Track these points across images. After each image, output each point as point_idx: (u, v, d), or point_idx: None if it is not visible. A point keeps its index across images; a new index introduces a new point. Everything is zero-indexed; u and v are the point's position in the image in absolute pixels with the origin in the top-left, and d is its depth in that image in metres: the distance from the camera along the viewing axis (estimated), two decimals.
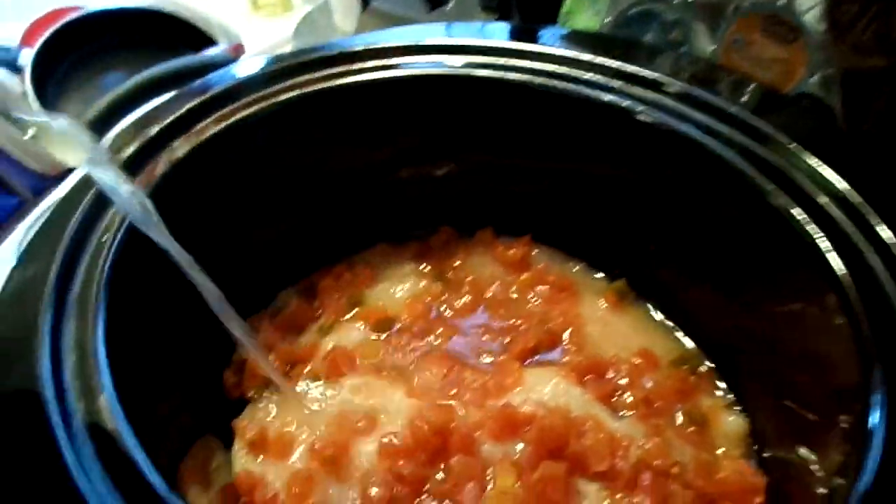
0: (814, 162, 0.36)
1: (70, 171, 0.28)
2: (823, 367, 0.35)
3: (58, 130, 0.25)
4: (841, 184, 0.35)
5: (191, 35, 0.94)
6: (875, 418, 0.28)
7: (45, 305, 0.34)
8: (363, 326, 0.47)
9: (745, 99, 0.41)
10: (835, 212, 0.34)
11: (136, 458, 0.29)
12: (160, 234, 0.35)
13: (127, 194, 0.31)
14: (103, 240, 0.37)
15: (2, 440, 0.29)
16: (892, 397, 0.29)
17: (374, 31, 0.72)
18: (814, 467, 0.34)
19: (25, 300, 0.34)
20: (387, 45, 0.49)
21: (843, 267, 0.33)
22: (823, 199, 0.34)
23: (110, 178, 0.28)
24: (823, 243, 0.34)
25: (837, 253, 0.33)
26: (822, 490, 0.32)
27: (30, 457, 0.28)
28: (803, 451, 0.35)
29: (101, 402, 0.31)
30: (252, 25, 1.00)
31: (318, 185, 0.50)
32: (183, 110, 0.45)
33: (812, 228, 0.34)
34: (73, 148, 0.25)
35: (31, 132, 0.25)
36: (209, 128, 0.44)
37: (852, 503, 0.26)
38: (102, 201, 0.38)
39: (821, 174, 0.35)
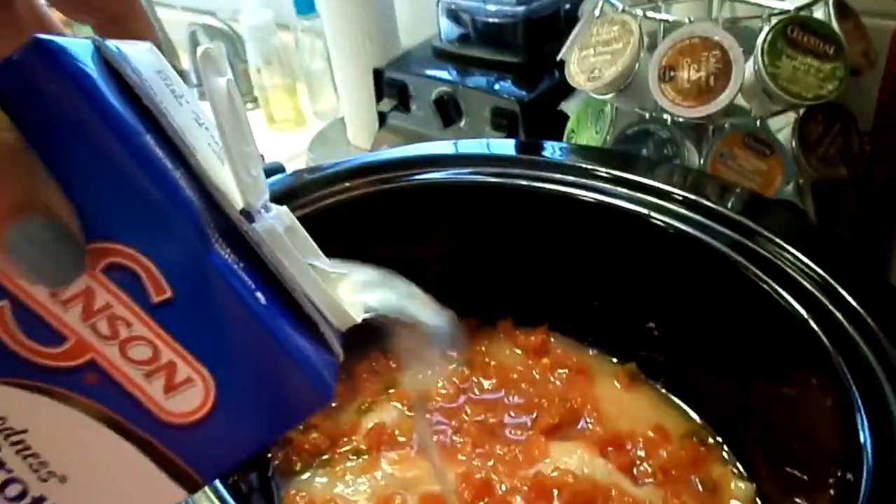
0: (796, 254, 0.42)
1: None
2: (814, 438, 0.40)
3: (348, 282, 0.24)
4: (821, 272, 0.41)
5: None
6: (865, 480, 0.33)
7: None
8: (399, 406, 0.51)
9: (734, 202, 0.48)
10: (821, 299, 0.40)
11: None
12: None
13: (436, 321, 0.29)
14: None
15: None
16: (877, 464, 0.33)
17: (393, 146, 0.80)
18: None
19: None
20: (422, 155, 0.56)
21: (832, 347, 0.38)
22: (808, 286, 0.40)
23: None
24: (813, 325, 0.39)
25: (826, 335, 0.39)
26: None
27: None
28: None
29: None
30: (268, 139, 1.08)
31: None
32: None
33: (803, 314, 0.40)
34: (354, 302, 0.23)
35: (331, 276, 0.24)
36: None
37: None
38: None
39: (804, 264, 0.42)
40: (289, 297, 0.21)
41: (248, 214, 0.21)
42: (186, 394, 0.20)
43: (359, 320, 0.24)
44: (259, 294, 0.20)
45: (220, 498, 0.34)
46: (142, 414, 0.20)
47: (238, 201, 0.21)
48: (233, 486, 0.46)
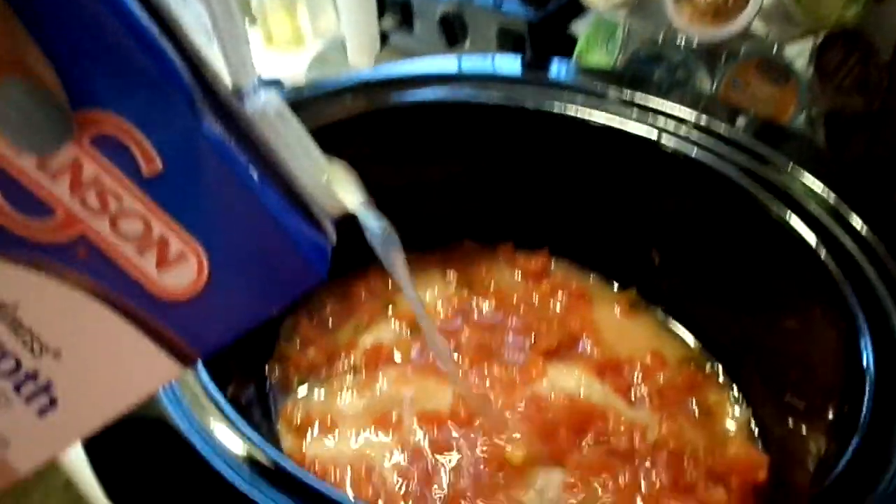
0: (808, 180, 0.41)
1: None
2: (815, 364, 0.40)
3: (336, 171, 0.24)
4: (832, 196, 0.40)
5: None
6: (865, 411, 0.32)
7: None
8: (397, 325, 0.51)
9: (745, 128, 0.47)
10: (830, 224, 0.39)
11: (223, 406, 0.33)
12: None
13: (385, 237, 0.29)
14: None
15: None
16: (878, 395, 0.33)
17: None
18: (807, 447, 0.38)
19: None
20: (424, 73, 0.54)
21: (839, 273, 0.37)
22: (817, 210, 0.40)
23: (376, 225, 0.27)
24: (821, 252, 0.39)
25: (834, 261, 0.38)
26: (813, 465, 0.37)
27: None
28: (798, 434, 0.40)
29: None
30: (266, 58, 1.05)
31: None
32: None
33: (810, 240, 0.39)
34: (347, 191, 0.24)
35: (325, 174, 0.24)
36: None
37: (836, 475, 0.30)
38: None
39: (814, 190, 0.41)
40: (280, 178, 0.21)
41: (238, 94, 0.20)
42: (179, 269, 0.19)
43: (350, 207, 0.24)
44: (252, 169, 0.19)
45: (221, 409, 0.34)
46: (135, 289, 0.19)
47: (228, 81, 0.20)
48: (232, 399, 0.46)
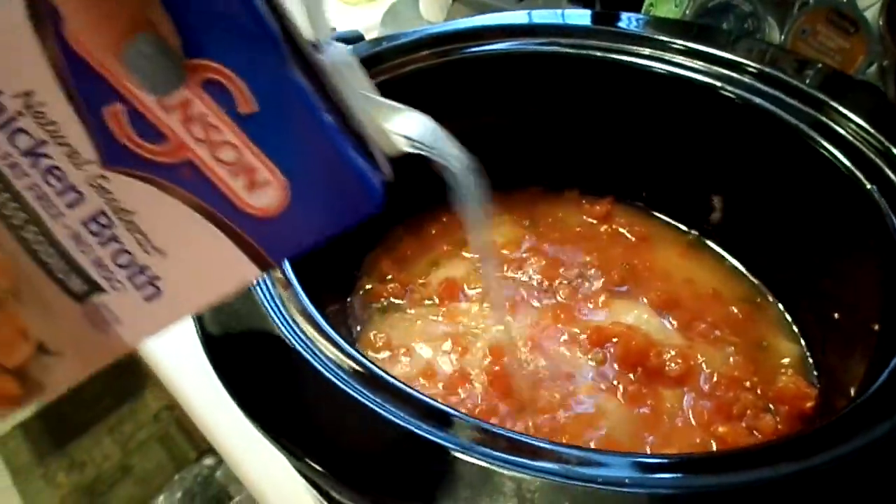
0: (871, 130, 0.43)
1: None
2: (862, 300, 0.42)
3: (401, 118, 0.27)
4: (886, 142, 0.42)
5: None
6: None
7: None
8: (468, 260, 0.55)
9: (808, 76, 0.48)
10: (883, 167, 0.41)
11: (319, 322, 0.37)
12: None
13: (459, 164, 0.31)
14: None
15: (233, 311, 0.37)
16: None
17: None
18: (852, 376, 0.41)
19: None
20: (496, 25, 0.57)
21: (890, 210, 0.39)
22: (872, 154, 0.41)
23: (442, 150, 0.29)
24: (877, 196, 0.41)
25: (889, 205, 0.40)
26: (853, 392, 0.40)
27: (248, 316, 0.37)
28: (844, 364, 0.43)
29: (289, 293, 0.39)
30: (339, 13, 1.09)
31: None
32: None
33: (866, 183, 0.41)
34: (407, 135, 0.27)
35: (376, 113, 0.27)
36: None
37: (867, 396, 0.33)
38: None
39: (878, 140, 0.42)
40: (345, 121, 0.25)
41: (315, 46, 0.24)
42: (264, 192, 0.24)
43: (403, 149, 0.27)
44: (325, 111, 0.23)
45: (317, 325, 0.38)
46: (227, 205, 0.24)
47: (309, 34, 0.24)
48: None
